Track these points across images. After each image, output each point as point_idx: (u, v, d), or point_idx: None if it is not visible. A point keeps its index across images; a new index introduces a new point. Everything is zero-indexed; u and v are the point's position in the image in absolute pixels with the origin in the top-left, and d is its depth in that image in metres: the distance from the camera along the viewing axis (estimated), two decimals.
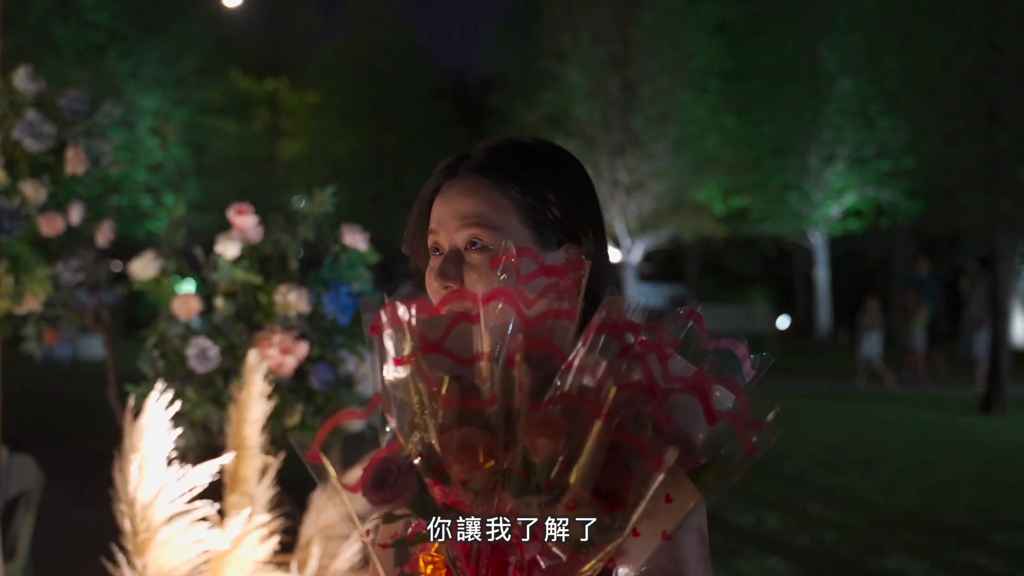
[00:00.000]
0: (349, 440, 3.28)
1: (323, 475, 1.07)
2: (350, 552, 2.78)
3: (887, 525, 6.88)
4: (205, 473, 2.38)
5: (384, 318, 1.05)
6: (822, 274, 27.28)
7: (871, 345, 16.29)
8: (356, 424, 3.29)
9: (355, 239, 3.36)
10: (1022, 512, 7.35)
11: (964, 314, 16.13)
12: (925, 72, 14.53)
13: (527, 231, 1.32)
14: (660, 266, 35.40)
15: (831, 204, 25.16)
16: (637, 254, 23.40)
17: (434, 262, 1.35)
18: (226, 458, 2.55)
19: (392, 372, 1.05)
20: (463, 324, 1.04)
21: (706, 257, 36.98)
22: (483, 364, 1.02)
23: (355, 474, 2.49)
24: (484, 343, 1.03)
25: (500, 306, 1.04)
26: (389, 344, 1.05)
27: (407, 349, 1.03)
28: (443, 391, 1.01)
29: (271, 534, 2.62)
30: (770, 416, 1.03)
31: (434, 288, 1.32)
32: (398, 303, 1.05)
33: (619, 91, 22.36)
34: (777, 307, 34.76)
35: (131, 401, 3.23)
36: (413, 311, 1.05)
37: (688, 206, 23.26)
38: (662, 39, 22.02)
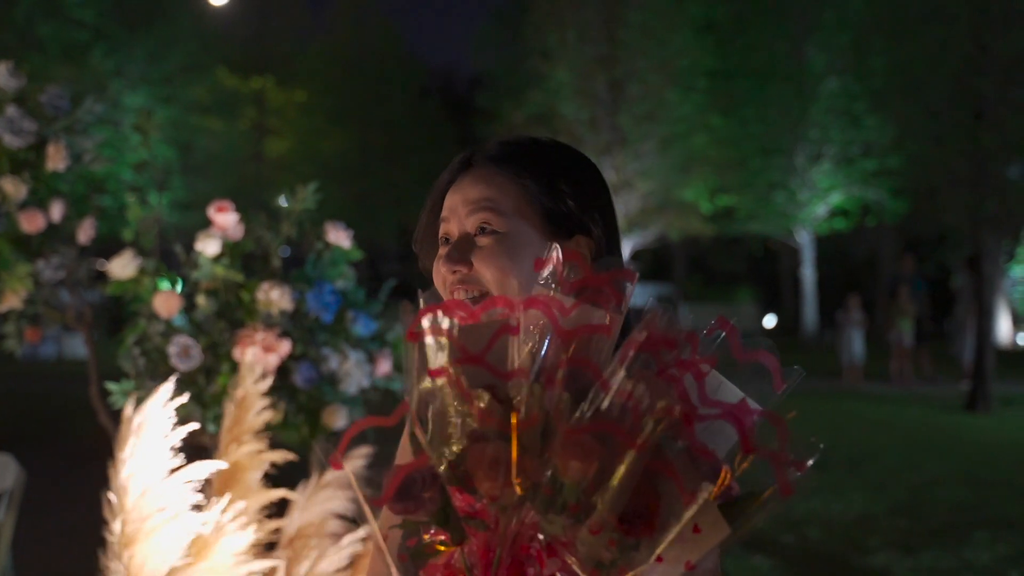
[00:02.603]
0: (333, 438, 3.28)
1: (345, 482, 1.05)
2: (336, 552, 2.77)
3: (872, 523, 6.90)
4: (202, 470, 2.36)
5: (422, 326, 1.01)
6: (808, 273, 27.37)
7: (855, 344, 16.33)
8: (340, 423, 3.29)
9: (338, 237, 3.34)
10: (1006, 510, 7.37)
11: (954, 312, 16.19)
12: (911, 71, 14.57)
13: (538, 219, 1.31)
14: (647, 265, 35.51)
15: (817, 203, 25.25)
16: (624, 253, 23.36)
17: (442, 250, 1.33)
18: (221, 464, 2.52)
19: (427, 382, 1.02)
20: (504, 336, 1.01)
21: (693, 256, 37.11)
22: (521, 381, 0.99)
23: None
24: (521, 355, 1.00)
25: (539, 318, 1.01)
26: (428, 352, 1.01)
27: (445, 360, 1.00)
28: (483, 406, 0.98)
29: (257, 528, 2.60)
30: (811, 459, 1.00)
31: (442, 274, 1.30)
32: (439, 310, 1.01)
33: (606, 90, 22.39)
34: (764, 306, 34.91)
35: (112, 400, 3.22)
36: (454, 319, 1.01)
37: (675, 205, 23.32)
38: (649, 38, 22.05)
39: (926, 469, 8.90)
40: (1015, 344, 26.61)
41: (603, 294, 1.03)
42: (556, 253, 1.05)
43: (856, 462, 9.29)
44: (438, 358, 1.01)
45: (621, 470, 0.94)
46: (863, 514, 7.16)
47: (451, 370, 1.00)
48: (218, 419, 3.14)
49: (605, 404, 0.96)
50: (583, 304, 1.02)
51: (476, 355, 1.00)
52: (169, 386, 2.37)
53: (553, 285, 1.04)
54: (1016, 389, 14.88)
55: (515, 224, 1.29)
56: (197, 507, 2.38)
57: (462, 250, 1.29)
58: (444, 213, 1.35)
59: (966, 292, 15.59)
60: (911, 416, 12.50)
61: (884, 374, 16.59)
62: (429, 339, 1.01)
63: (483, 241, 1.29)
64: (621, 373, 0.97)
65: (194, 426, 2.36)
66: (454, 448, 1.00)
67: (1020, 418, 12.41)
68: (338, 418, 3.24)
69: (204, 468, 2.36)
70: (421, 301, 1.05)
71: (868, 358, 16.82)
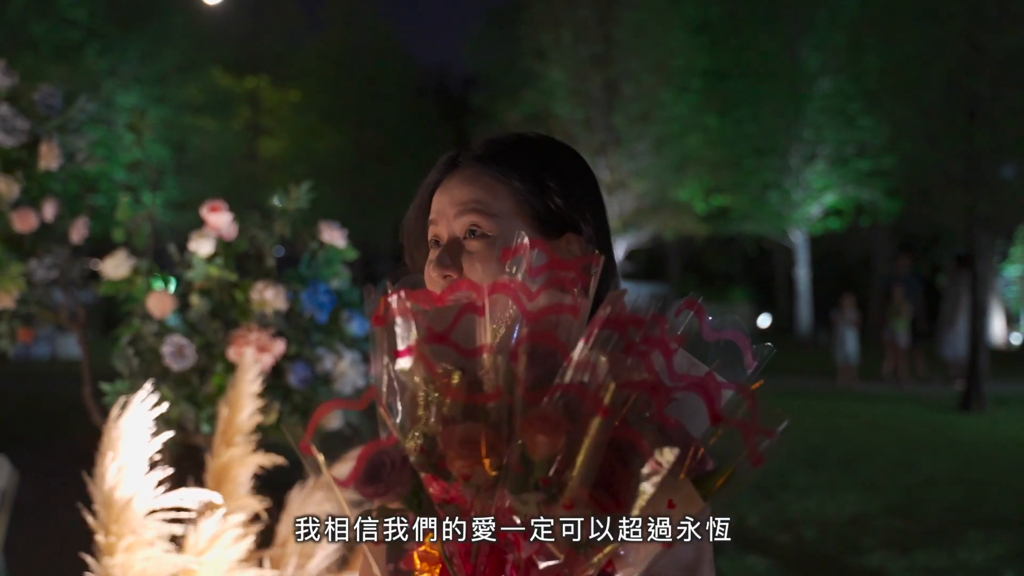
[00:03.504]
0: (326, 438, 3.27)
1: (315, 467, 1.04)
2: (327, 551, 2.76)
3: (867, 523, 6.90)
4: (193, 498, 2.35)
5: (388, 308, 1.02)
6: (803, 273, 27.38)
7: (849, 343, 16.33)
8: (334, 422, 3.28)
9: (333, 236, 3.33)
10: (1000, 509, 7.39)
11: (940, 312, 16.21)
12: (905, 71, 14.60)
13: (527, 219, 1.29)
14: (642, 265, 35.54)
15: (812, 203, 25.25)
16: (619, 253, 23.37)
17: (433, 254, 1.32)
18: (215, 495, 2.51)
19: (395, 363, 1.02)
20: (468, 315, 1.01)
21: (688, 256, 37.10)
22: (486, 356, 1.00)
23: (337, 470, 2.46)
24: (488, 335, 1.00)
25: (506, 299, 1.01)
26: (395, 334, 1.02)
27: (412, 340, 1.01)
28: (453, 383, 0.98)
29: (247, 533, 2.59)
30: (781, 426, 0.99)
31: (433, 278, 1.29)
32: (401, 292, 1.02)
33: (601, 90, 22.37)
34: (758, 306, 34.92)
35: (106, 400, 3.21)
36: (418, 301, 1.02)
37: (670, 205, 23.30)
38: (643, 38, 22.03)
39: (921, 469, 8.91)
40: (1008, 344, 26.68)
41: (570, 279, 1.03)
42: (523, 240, 1.05)
43: (851, 462, 9.30)
44: (404, 339, 1.01)
45: (588, 440, 0.94)
46: (858, 514, 7.17)
47: (418, 349, 1.00)
48: (212, 419, 3.13)
49: (570, 377, 0.96)
50: (549, 288, 1.02)
51: (441, 333, 1.00)
52: (149, 392, 2.37)
53: (520, 272, 1.03)
54: (1010, 389, 14.90)
55: (504, 226, 1.27)
56: (185, 510, 2.37)
57: (452, 254, 1.28)
58: (432, 215, 1.34)
59: (951, 291, 15.60)
60: (905, 416, 12.52)
61: (879, 374, 16.60)
62: (396, 320, 1.01)
63: (472, 246, 1.28)
64: (586, 347, 0.97)
65: (169, 435, 2.35)
66: (424, 431, 0.99)
67: (1014, 418, 12.44)
68: (332, 419, 3.23)
69: (194, 496, 2.35)
70: (388, 286, 1.04)
71: (862, 358, 16.83)
